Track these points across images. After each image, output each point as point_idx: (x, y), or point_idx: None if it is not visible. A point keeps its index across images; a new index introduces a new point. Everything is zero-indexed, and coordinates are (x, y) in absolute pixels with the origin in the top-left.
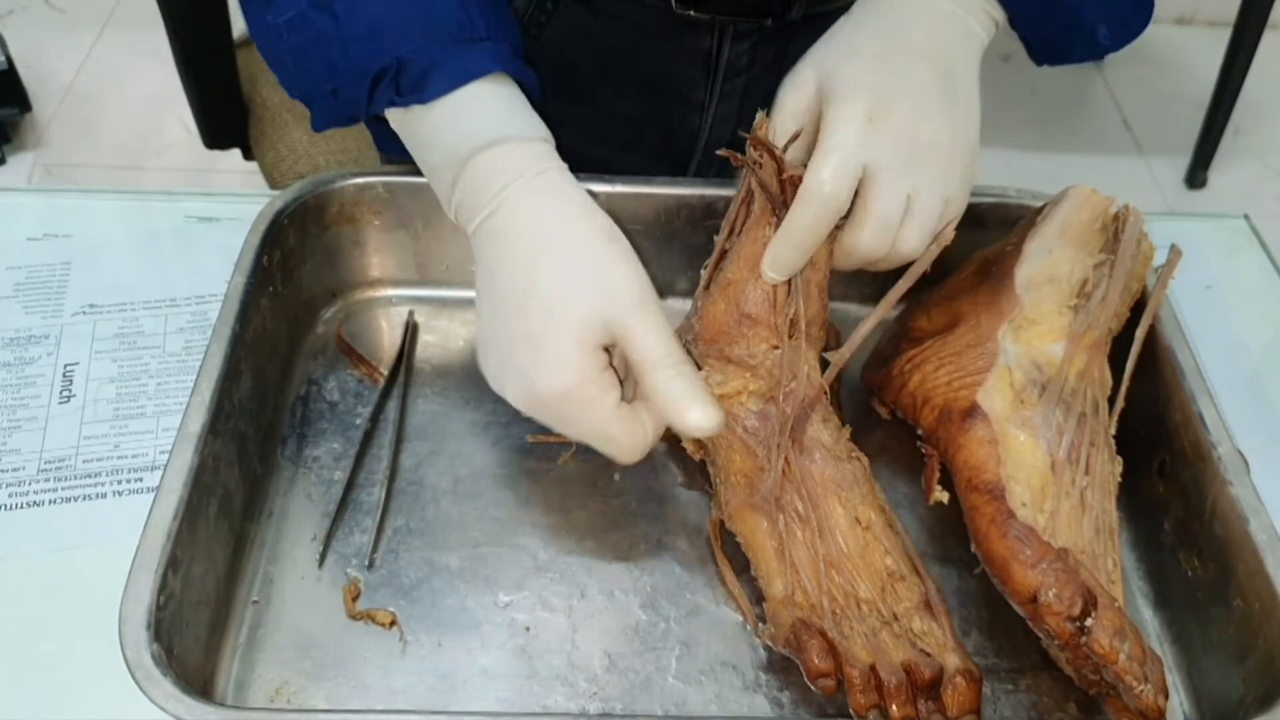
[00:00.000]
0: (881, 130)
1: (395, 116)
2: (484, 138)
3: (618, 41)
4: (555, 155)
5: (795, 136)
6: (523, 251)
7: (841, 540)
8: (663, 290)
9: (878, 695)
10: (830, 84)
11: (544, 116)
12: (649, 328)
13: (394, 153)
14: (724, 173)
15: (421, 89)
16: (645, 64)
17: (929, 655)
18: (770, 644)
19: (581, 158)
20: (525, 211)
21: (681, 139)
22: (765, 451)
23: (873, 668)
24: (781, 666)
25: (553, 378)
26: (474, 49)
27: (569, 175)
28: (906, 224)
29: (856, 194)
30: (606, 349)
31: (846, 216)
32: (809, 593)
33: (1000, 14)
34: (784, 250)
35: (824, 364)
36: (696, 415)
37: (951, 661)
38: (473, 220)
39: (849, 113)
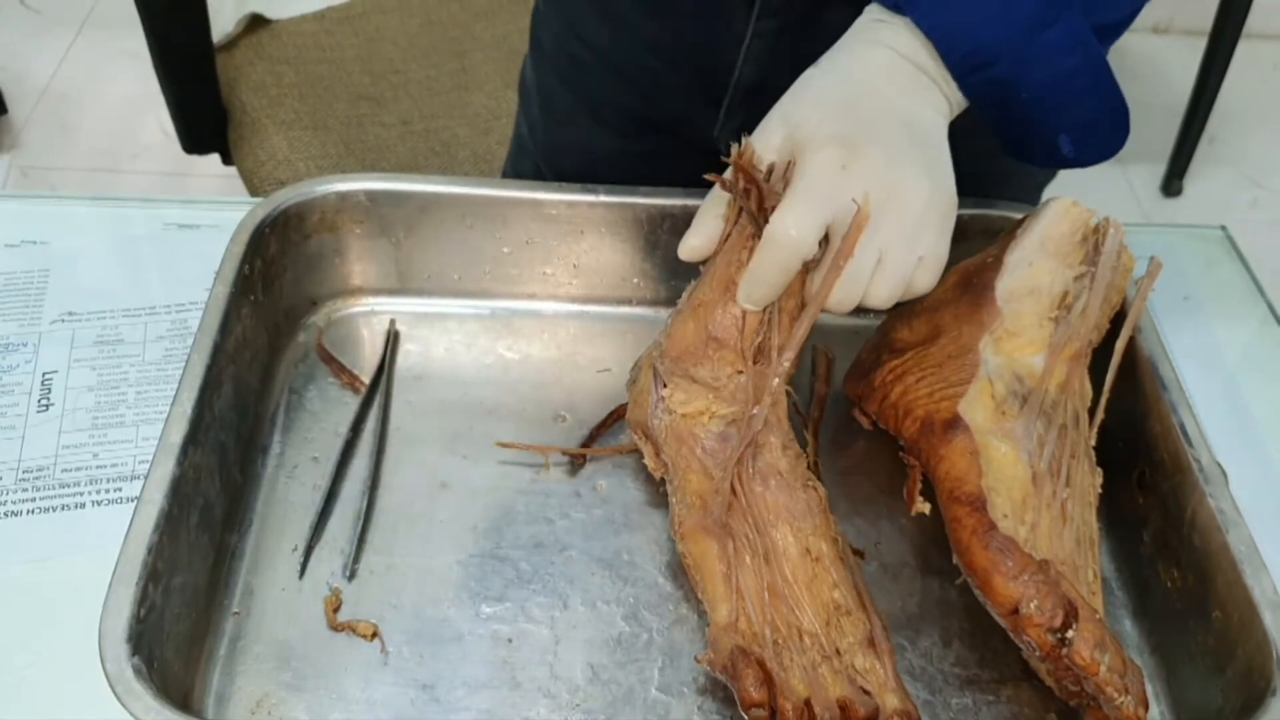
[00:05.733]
0: (853, 178)
1: None
2: None
3: None
4: None
5: (772, 167)
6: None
7: (789, 569)
8: (643, 301)
9: None
10: (800, 134)
11: (589, 38)
12: None
13: None
14: (752, 119)
15: None
16: None
17: (868, 694)
18: (709, 668)
19: (621, 94)
20: None
21: (717, 73)
22: (722, 474)
23: (807, 702)
24: None
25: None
26: None
27: None
28: (877, 277)
29: (829, 242)
30: None
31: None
32: (752, 620)
33: (959, 96)
34: (755, 286)
35: (813, 394)
36: None
37: (890, 701)
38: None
39: (820, 159)
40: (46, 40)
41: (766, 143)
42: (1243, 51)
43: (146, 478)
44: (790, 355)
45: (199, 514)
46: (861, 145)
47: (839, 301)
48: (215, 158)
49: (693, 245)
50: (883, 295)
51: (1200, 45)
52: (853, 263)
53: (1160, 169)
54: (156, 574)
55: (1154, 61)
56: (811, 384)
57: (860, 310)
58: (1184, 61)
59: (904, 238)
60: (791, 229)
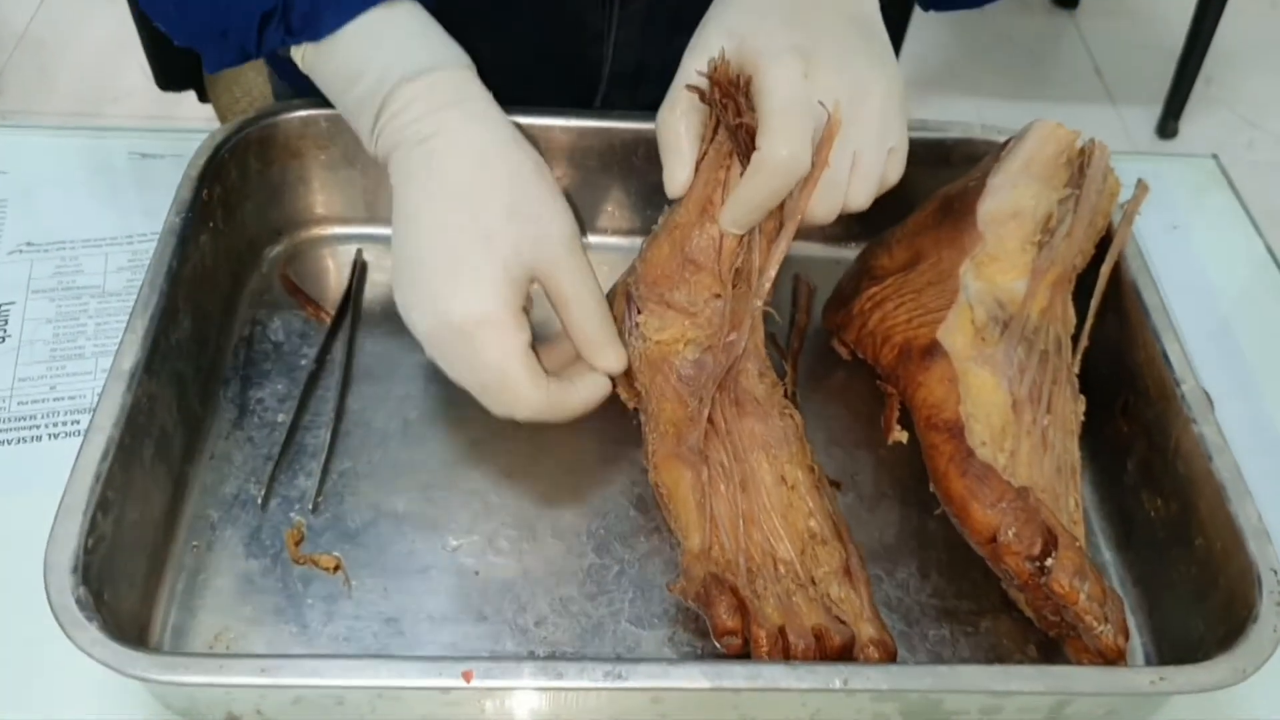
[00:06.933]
0: (818, 86)
1: (301, 56)
2: (408, 69)
3: None
4: (480, 83)
5: (748, 81)
6: (460, 176)
7: (765, 497)
8: (618, 230)
9: (783, 659)
10: (750, 45)
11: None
12: (577, 266)
13: (293, 82)
14: (635, 105)
15: (314, 25)
16: None
17: (843, 623)
18: (681, 597)
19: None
20: (464, 138)
21: (585, 70)
22: (696, 402)
23: (782, 630)
24: None
25: (472, 300)
26: None
27: (495, 104)
28: (854, 179)
29: None
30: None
31: None
32: (725, 548)
33: None
34: (743, 211)
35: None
36: (612, 354)
37: (866, 631)
38: (400, 147)
39: (785, 75)
40: None
41: (710, 55)
42: None
43: (96, 406)
44: (771, 275)
45: (155, 445)
46: (816, 50)
47: (823, 213)
48: (198, 102)
49: (681, 180)
50: (862, 197)
51: None
52: (829, 170)
53: (1155, 110)
54: (106, 504)
55: (1150, 1)
56: (792, 314)
57: (839, 219)
58: (1180, 1)
59: (874, 134)
60: (783, 150)
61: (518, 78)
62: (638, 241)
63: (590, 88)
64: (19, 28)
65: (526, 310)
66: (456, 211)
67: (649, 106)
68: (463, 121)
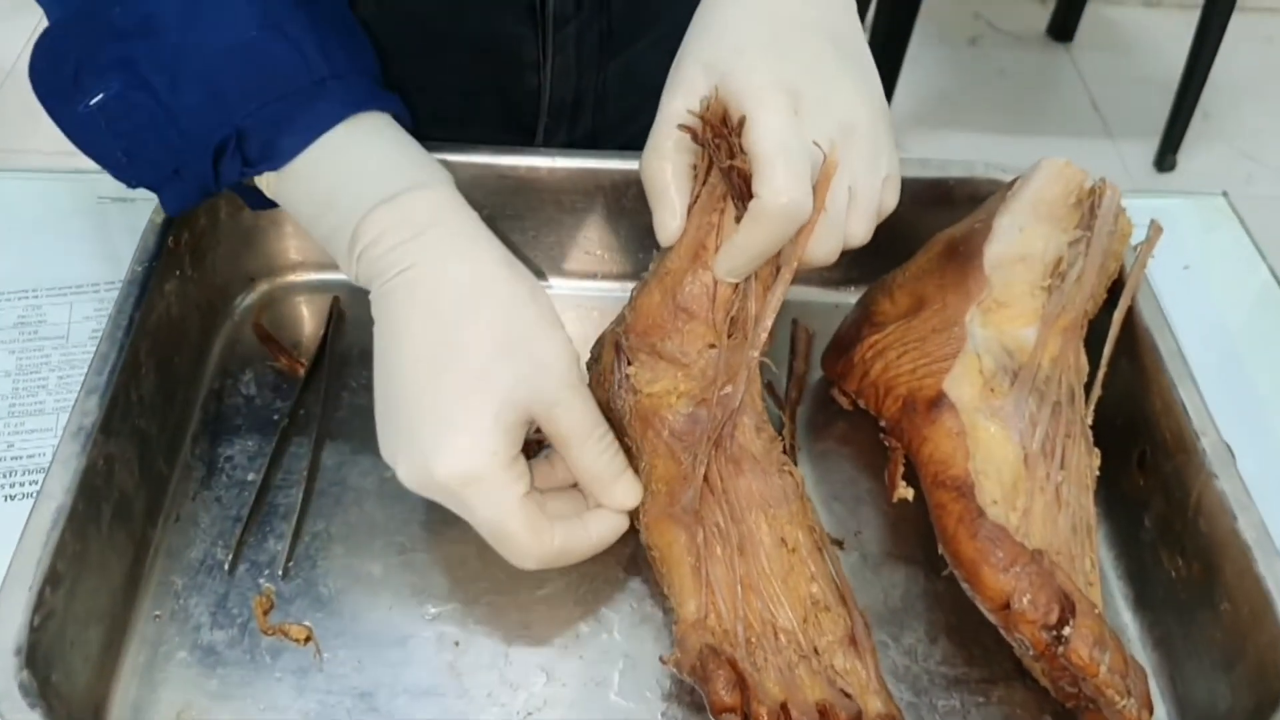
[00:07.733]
0: (807, 122)
1: (267, 185)
2: (380, 192)
3: (435, 9)
4: (461, 198)
5: (741, 121)
6: (445, 310)
7: (764, 561)
8: (608, 275)
9: None
10: (732, 84)
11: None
12: (578, 402)
13: (268, 207)
14: (573, 136)
15: (272, 154)
16: (469, 29)
17: (849, 697)
18: (675, 670)
19: (424, 139)
20: (448, 266)
21: (523, 102)
22: (690, 459)
23: (784, 706)
24: None
25: (458, 457)
26: (322, 95)
27: (481, 222)
28: (851, 215)
29: None
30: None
31: None
32: (723, 616)
33: None
34: (740, 259)
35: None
36: (621, 491)
37: (873, 705)
38: (381, 277)
39: (776, 117)
40: (11, 21)
41: (690, 93)
42: (1236, 25)
43: (48, 471)
44: (767, 324)
45: (114, 509)
46: (801, 84)
47: (824, 254)
48: None
49: (673, 229)
50: (860, 232)
51: (1193, 19)
52: (828, 212)
53: (1153, 144)
54: (57, 576)
55: (1147, 35)
56: (790, 362)
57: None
58: (1177, 35)
59: (867, 165)
60: (783, 197)
61: (461, 119)
62: (629, 287)
63: (530, 121)
64: (7, 64)
65: (525, 449)
66: (442, 351)
67: (587, 137)
68: (445, 248)
